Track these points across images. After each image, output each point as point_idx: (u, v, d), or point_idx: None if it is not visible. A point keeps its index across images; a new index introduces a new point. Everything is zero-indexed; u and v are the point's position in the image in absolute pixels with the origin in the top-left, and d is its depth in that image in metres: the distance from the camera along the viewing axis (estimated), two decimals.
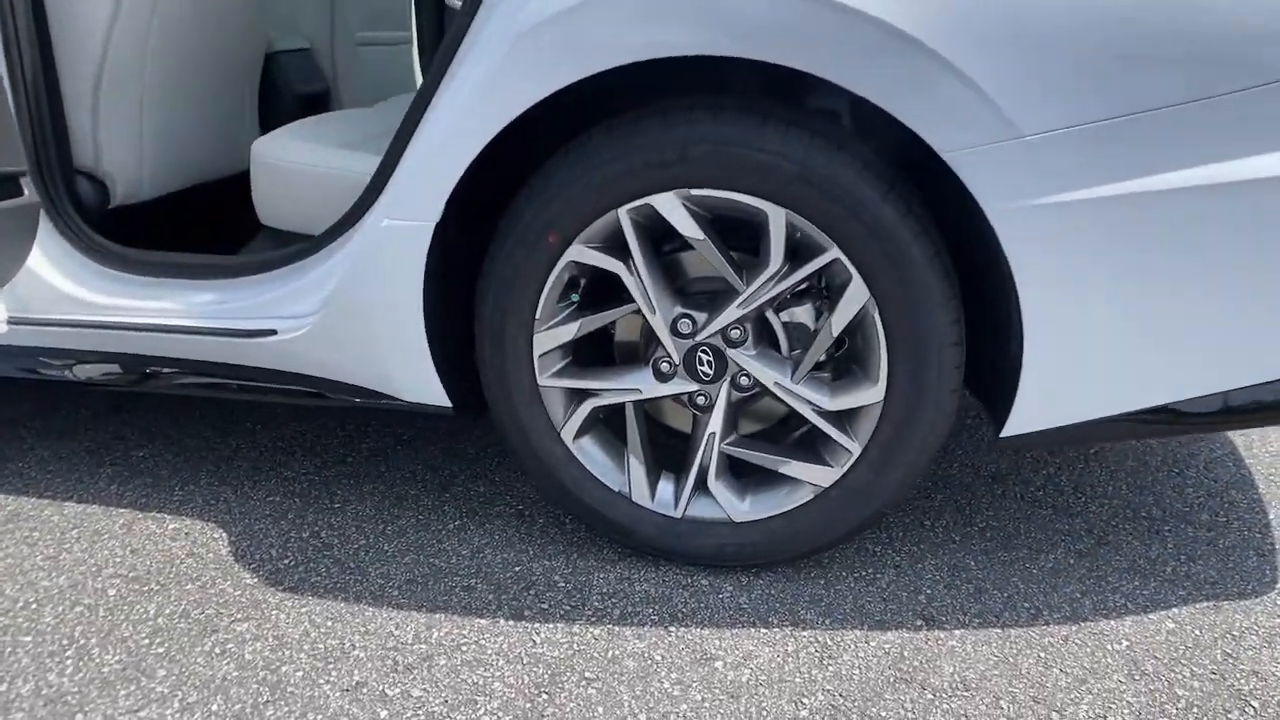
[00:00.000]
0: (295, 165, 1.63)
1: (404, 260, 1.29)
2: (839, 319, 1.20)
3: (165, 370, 1.59)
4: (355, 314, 1.37)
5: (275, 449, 1.82)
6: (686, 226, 1.20)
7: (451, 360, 1.41)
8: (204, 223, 2.12)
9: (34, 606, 1.34)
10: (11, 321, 1.59)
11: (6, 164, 1.34)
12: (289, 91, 2.30)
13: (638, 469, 1.36)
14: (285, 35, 2.34)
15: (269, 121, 2.27)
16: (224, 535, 1.52)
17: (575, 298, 1.32)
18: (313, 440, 1.86)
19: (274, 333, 1.46)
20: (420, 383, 1.39)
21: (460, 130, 1.20)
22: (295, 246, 1.49)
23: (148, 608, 1.34)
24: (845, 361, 1.32)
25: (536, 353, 1.31)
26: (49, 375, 1.63)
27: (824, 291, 1.31)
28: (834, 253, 1.17)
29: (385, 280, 1.31)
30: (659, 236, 1.27)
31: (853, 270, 1.16)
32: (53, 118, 1.60)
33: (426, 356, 1.36)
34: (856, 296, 1.18)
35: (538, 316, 1.29)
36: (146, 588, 1.38)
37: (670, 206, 1.19)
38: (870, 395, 1.22)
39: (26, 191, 1.41)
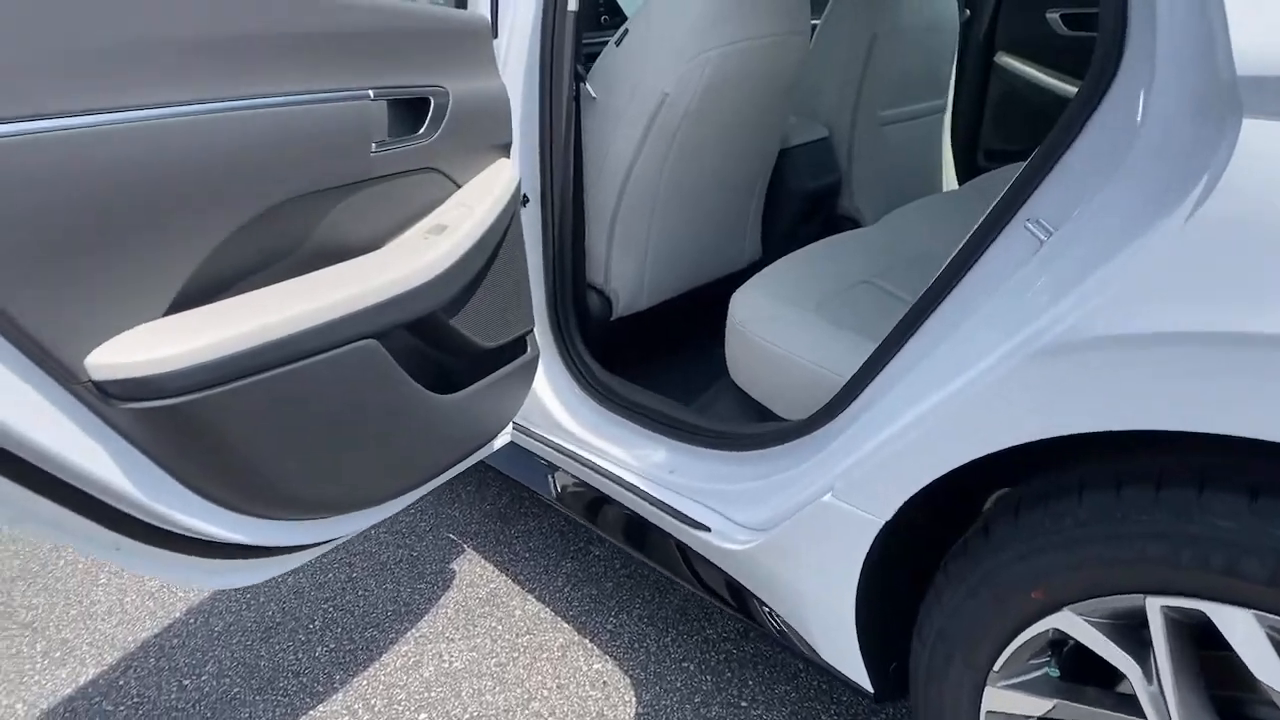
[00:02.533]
0: (763, 343, 1.50)
1: (843, 539, 1.08)
2: None
3: (612, 515, 1.63)
4: (787, 557, 1.22)
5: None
6: (1262, 658, 0.78)
7: (879, 645, 1.18)
8: (688, 321, 2.16)
9: None
10: (515, 428, 1.78)
11: (523, 327, 1.46)
12: (797, 187, 2.19)
13: None
14: (803, 128, 2.23)
15: (772, 218, 2.20)
16: (634, 700, 1.53)
17: (1052, 669, 0.98)
18: None
19: (708, 530, 1.38)
20: (841, 653, 1.20)
21: (938, 435, 0.93)
22: (749, 435, 1.38)
23: None
24: None
25: (984, 708, 1.01)
26: (534, 487, 1.80)
27: None
28: None
29: (820, 546, 1.13)
30: (1199, 634, 0.86)
31: None
32: (574, 247, 1.71)
33: (852, 635, 1.15)
34: None
35: (995, 668, 0.98)
36: None
37: (1243, 629, 0.78)
38: None
39: (529, 349, 1.53)
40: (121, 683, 1.68)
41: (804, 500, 1.15)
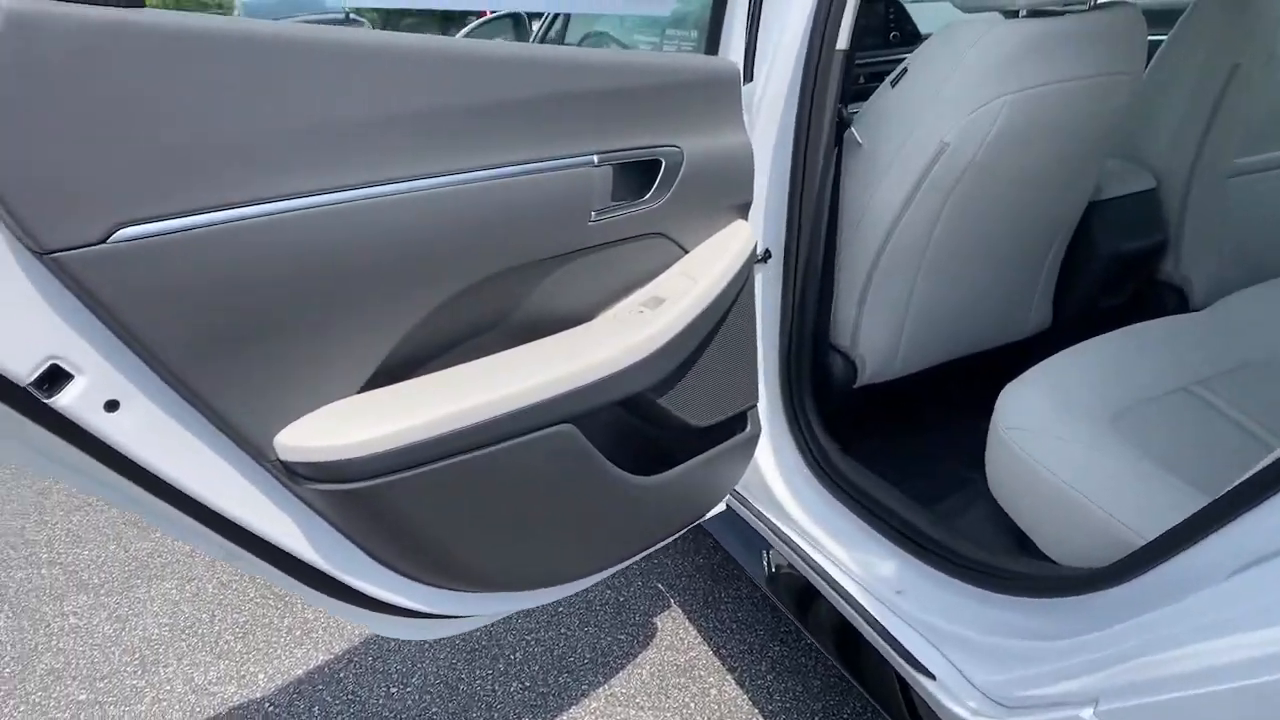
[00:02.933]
0: (1032, 462, 1.22)
1: None
2: None
3: (825, 619, 1.45)
4: None
5: None
6: None
7: None
8: (948, 396, 1.88)
9: None
10: (733, 496, 1.64)
11: (744, 404, 1.32)
12: (1107, 247, 1.82)
13: None
14: (1123, 177, 1.84)
15: (1070, 282, 1.85)
16: None
17: None
18: None
19: (932, 677, 1.16)
20: None
21: None
22: (1001, 572, 1.14)
23: None
24: None
25: None
26: (744, 563, 1.65)
27: None
28: None
29: None
30: None
31: None
32: (818, 308, 1.52)
33: None
34: None
35: None
36: None
37: None
38: None
39: (749, 426, 1.38)
40: (341, 676, 1.79)
41: (1056, 698, 0.90)
